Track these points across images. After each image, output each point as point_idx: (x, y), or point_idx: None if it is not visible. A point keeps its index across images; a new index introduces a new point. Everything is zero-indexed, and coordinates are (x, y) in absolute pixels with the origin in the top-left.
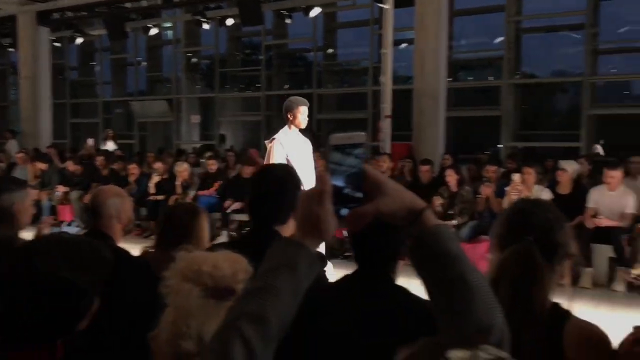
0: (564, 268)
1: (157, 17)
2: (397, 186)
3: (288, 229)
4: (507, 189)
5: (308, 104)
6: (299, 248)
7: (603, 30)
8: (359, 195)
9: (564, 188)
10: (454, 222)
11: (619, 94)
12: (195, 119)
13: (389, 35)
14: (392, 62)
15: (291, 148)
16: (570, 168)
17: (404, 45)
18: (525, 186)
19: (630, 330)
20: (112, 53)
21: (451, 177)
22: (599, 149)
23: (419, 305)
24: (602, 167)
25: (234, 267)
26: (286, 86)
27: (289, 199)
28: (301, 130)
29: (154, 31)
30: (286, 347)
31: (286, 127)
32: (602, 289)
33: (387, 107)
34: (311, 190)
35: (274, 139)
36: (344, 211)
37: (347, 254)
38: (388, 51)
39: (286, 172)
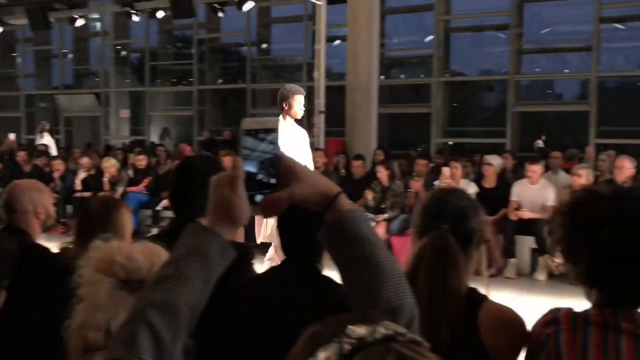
0: (480, 253)
1: (83, 8)
2: (311, 172)
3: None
4: (436, 183)
5: (304, 93)
6: (211, 235)
7: (527, 31)
8: (273, 181)
9: (489, 182)
10: (386, 215)
11: (543, 92)
12: (125, 113)
13: (321, 32)
14: (325, 58)
15: (286, 140)
16: (495, 162)
17: (337, 42)
18: (453, 180)
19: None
20: (36, 44)
21: (382, 173)
22: (540, 144)
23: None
24: (524, 162)
25: (151, 259)
26: (219, 81)
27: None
28: (297, 121)
29: (80, 22)
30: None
31: (280, 117)
32: (526, 278)
33: (320, 102)
34: (222, 175)
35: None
36: (258, 197)
37: None
38: (321, 47)
39: (207, 163)
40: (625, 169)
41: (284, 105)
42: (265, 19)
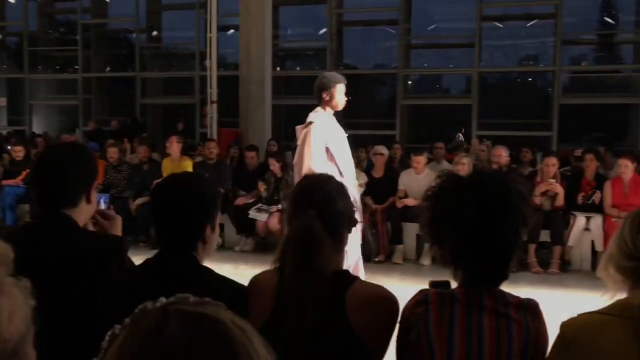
0: (346, 235)
1: None
2: None
3: (80, 211)
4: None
5: (346, 81)
6: None
7: (415, 27)
8: None
9: (378, 172)
10: (279, 206)
11: (432, 87)
12: (1, 101)
13: (213, 20)
14: (218, 47)
15: (330, 134)
16: (385, 152)
17: (231, 31)
18: None
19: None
20: None
21: (274, 165)
22: (461, 137)
23: (224, 284)
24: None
25: None
26: (107, 68)
27: (75, 178)
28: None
29: None
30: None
31: (320, 109)
32: (411, 263)
33: (213, 92)
34: None
35: (310, 123)
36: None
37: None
38: (213, 35)
39: (70, 150)
40: (502, 157)
41: (324, 95)
42: (155, 5)
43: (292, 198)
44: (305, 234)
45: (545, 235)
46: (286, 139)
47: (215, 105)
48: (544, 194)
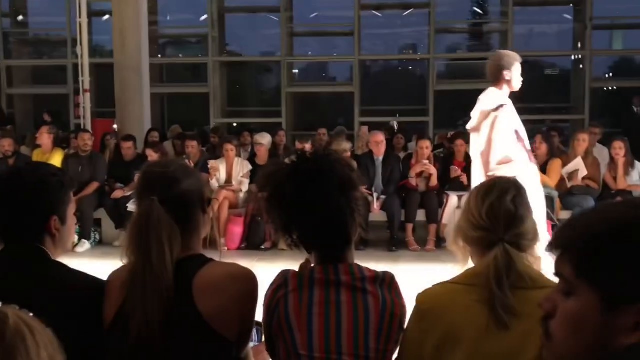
0: (199, 215)
1: None
2: None
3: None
4: (211, 162)
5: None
6: None
7: (297, 14)
8: None
9: (262, 159)
10: None
11: (318, 74)
12: None
13: (83, 4)
14: (91, 33)
15: (515, 117)
16: (265, 141)
17: (107, 17)
18: (228, 161)
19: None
20: None
21: (152, 156)
22: (394, 124)
23: (77, 279)
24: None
25: None
26: None
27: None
28: None
29: None
30: None
31: (494, 89)
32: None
33: (85, 81)
34: None
35: (501, 106)
36: None
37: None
38: (83, 20)
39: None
40: (380, 142)
41: (506, 75)
42: None
43: (136, 187)
44: (142, 222)
45: (421, 215)
46: (168, 128)
47: (88, 95)
48: (419, 175)
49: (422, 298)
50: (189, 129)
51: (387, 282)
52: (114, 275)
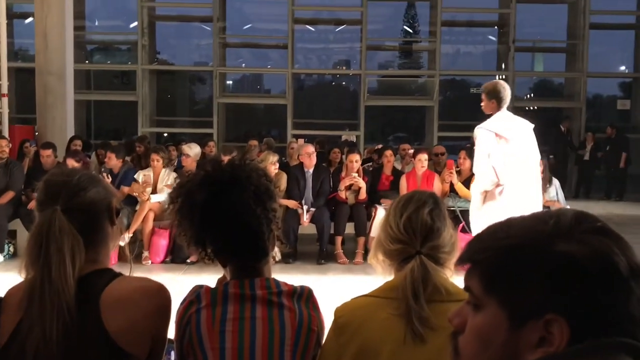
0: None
1: None
2: None
3: None
4: (141, 173)
5: None
6: None
7: (230, 25)
8: None
9: (190, 170)
10: None
11: (253, 86)
12: None
13: (2, 5)
14: (10, 35)
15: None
16: (192, 152)
17: (30, 19)
18: (154, 171)
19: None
20: None
21: (72, 165)
22: (345, 138)
23: None
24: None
25: None
26: None
27: None
28: None
29: None
30: None
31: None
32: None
33: (3, 84)
34: None
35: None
36: None
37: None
38: (1, 22)
39: None
40: (310, 154)
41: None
42: None
43: (37, 199)
44: (42, 232)
45: (350, 228)
46: (98, 137)
47: (5, 99)
48: (348, 188)
49: (339, 311)
50: (117, 138)
51: (305, 296)
52: (11, 291)
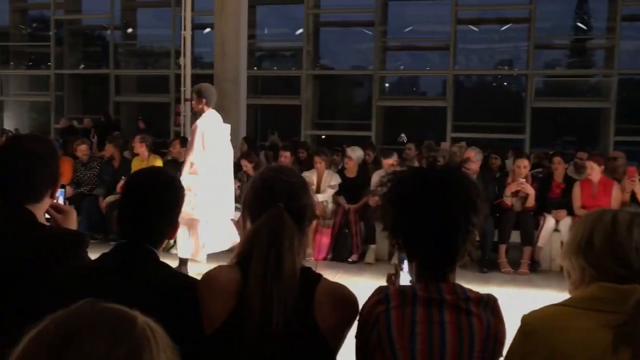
0: (310, 230)
1: None
2: None
3: (42, 207)
4: (305, 174)
5: None
6: None
7: (391, 29)
8: None
9: (351, 172)
10: None
11: (409, 89)
12: None
13: (188, 18)
14: (194, 46)
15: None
16: (354, 155)
17: (207, 30)
18: (317, 172)
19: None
20: None
21: (246, 167)
22: (403, 138)
23: (176, 278)
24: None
25: None
26: (81, 66)
27: (45, 175)
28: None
29: None
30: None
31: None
32: (384, 263)
33: (186, 90)
34: None
35: None
36: None
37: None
38: (187, 33)
39: (40, 144)
40: (472, 159)
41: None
42: (130, 3)
43: (255, 190)
44: (275, 228)
45: (515, 236)
46: (263, 139)
47: (188, 104)
48: (514, 194)
49: (527, 319)
50: (282, 140)
51: (491, 305)
52: (215, 276)
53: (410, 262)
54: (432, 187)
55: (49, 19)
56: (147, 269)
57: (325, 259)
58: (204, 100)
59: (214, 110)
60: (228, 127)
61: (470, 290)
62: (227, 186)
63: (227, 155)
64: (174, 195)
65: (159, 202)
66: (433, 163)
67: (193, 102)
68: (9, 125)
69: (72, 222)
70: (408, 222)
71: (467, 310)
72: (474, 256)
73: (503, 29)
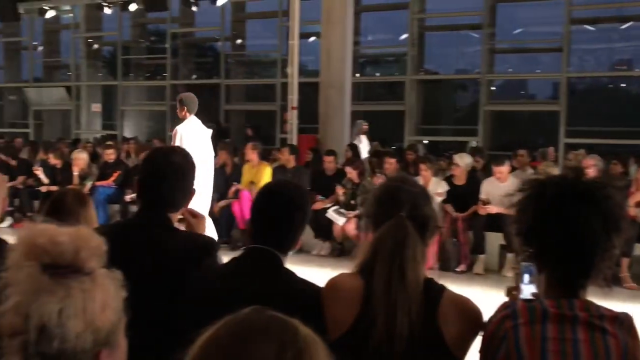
0: (433, 241)
1: None
2: None
3: (177, 216)
4: None
5: None
6: None
7: (500, 31)
8: None
9: (459, 180)
10: (357, 212)
11: (516, 92)
12: (97, 107)
13: (295, 27)
14: (299, 54)
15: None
16: (462, 162)
17: (312, 38)
18: (424, 180)
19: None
20: (5, 36)
21: (351, 173)
22: (474, 144)
23: (302, 285)
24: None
25: (76, 243)
26: (194, 76)
27: (186, 185)
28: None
29: (50, 14)
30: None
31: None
32: (494, 274)
33: (293, 98)
34: None
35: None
36: None
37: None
38: (294, 43)
39: (181, 157)
40: (590, 167)
41: None
42: (239, 14)
43: (377, 199)
44: (399, 237)
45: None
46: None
47: (295, 112)
48: (638, 205)
49: None
50: (383, 146)
51: (627, 324)
52: (339, 283)
53: (539, 274)
54: (577, 198)
55: (165, 32)
56: (275, 274)
57: (431, 268)
58: (185, 108)
59: (195, 117)
60: (209, 131)
61: (605, 308)
62: (205, 186)
63: (206, 158)
64: (301, 215)
65: (289, 218)
66: (580, 174)
67: (177, 110)
68: (128, 133)
69: (204, 227)
70: (545, 230)
71: (601, 328)
72: (608, 279)
73: (623, 27)
